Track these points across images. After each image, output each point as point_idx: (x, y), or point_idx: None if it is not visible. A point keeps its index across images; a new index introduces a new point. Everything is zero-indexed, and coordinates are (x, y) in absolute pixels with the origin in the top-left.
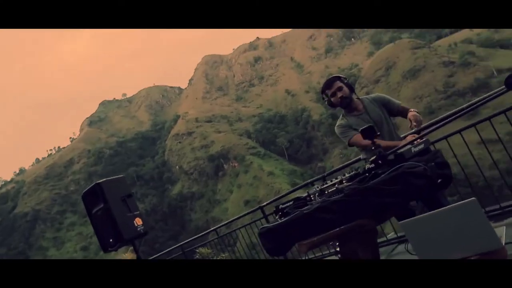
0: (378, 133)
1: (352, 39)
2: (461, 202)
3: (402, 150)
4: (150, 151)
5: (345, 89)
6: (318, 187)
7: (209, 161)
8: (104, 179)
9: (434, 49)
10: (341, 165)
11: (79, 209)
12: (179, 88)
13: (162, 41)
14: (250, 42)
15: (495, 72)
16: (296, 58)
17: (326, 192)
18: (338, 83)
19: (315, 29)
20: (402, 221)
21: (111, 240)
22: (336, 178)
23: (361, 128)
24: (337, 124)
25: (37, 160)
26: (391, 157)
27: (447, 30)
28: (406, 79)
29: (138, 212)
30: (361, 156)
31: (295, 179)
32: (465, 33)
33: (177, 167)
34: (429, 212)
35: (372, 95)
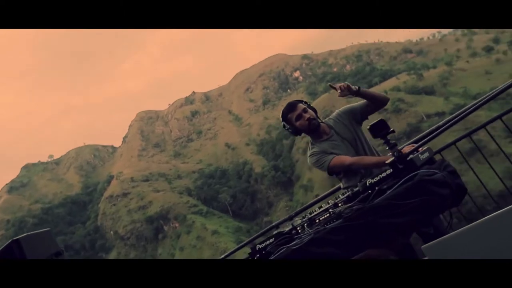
0: (392, 129)
1: (288, 90)
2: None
3: (410, 157)
4: (81, 217)
5: (310, 111)
6: (305, 216)
7: (148, 223)
8: (24, 234)
9: None
10: (314, 200)
11: None
12: (113, 147)
13: (93, 98)
14: (186, 96)
15: (424, 117)
16: (234, 110)
17: (317, 220)
18: (302, 106)
19: (250, 82)
20: (426, 245)
21: None
22: (328, 203)
23: (371, 124)
24: (309, 154)
25: None
26: (399, 166)
27: (376, 79)
28: None
29: None
30: (340, 185)
31: (241, 237)
32: (392, 81)
33: (111, 232)
34: (467, 226)
35: (334, 113)
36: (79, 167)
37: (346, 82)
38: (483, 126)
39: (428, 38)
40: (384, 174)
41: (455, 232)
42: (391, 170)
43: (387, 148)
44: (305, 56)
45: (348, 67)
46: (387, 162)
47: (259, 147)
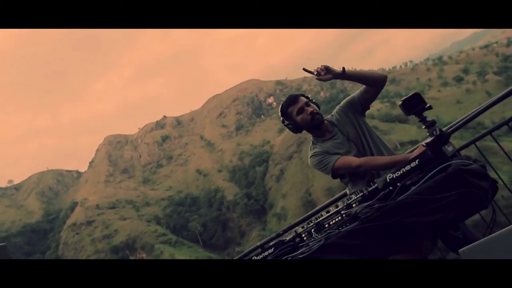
0: (428, 105)
1: (262, 116)
2: None
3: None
4: (40, 246)
5: (313, 105)
6: (312, 221)
7: (113, 253)
8: None
9: None
10: (313, 210)
11: None
12: (78, 172)
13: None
14: (157, 120)
15: (398, 145)
16: (206, 136)
17: (326, 225)
18: (304, 99)
19: (224, 107)
20: (464, 249)
21: None
22: (336, 206)
23: (403, 99)
24: (310, 155)
25: None
26: (428, 155)
27: None
28: None
29: None
30: (346, 191)
31: None
32: None
33: None
34: (508, 228)
35: (335, 109)
36: (40, 193)
37: (323, 64)
38: (489, 132)
39: (401, 66)
40: (408, 167)
41: (495, 234)
42: (417, 163)
43: (424, 127)
44: (279, 82)
45: (322, 93)
46: (424, 143)
47: (231, 174)
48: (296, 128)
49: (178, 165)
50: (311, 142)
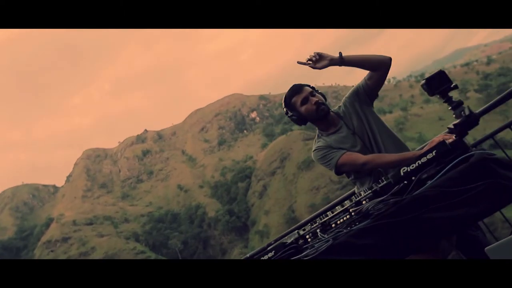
0: (455, 83)
1: (245, 131)
2: None
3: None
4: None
5: (318, 95)
6: (317, 221)
7: None
8: None
9: None
10: (317, 212)
11: None
12: (54, 187)
13: (36, 133)
14: (138, 134)
15: None
16: (188, 151)
17: (333, 224)
18: (309, 88)
19: (206, 121)
20: (490, 247)
21: None
22: (343, 205)
23: (426, 78)
24: (313, 148)
25: None
26: (447, 146)
27: None
28: (302, 170)
29: None
30: (355, 190)
31: None
32: None
33: None
34: None
35: (343, 99)
36: (14, 208)
37: (316, 52)
38: (491, 136)
39: (383, 83)
40: (424, 159)
41: None
42: (434, 154)
43: (449, 108)
44: (262, 97)
45: None
46: (454, 123)
47: (213, 189)
48: (300, 119)
49: (159, 180)
50: (316, 136)
